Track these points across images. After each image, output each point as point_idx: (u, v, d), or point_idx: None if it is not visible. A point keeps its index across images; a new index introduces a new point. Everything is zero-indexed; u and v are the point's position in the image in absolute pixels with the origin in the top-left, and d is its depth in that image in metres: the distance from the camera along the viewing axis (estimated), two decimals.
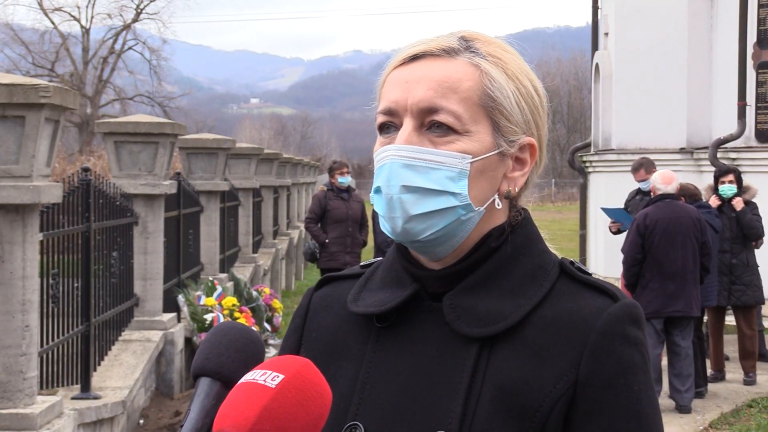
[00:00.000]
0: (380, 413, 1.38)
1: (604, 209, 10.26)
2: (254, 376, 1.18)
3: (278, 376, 1.16)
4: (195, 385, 1.25)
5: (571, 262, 1.45)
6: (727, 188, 9.50)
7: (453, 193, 1.38)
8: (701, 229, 8.16)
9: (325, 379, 1.21)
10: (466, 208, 1.39)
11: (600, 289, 1.40)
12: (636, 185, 10.36)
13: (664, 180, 8.34)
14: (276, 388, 1.15)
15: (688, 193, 8.93)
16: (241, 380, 1.19)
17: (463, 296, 1.40)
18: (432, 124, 1.38)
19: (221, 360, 1.24)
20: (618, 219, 10.01)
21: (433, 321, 1.41)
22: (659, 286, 8.07)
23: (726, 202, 9.52)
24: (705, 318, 9.56)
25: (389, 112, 1.41)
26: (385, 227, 1.42)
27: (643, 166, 9.93)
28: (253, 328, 10.27)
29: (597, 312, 1.37)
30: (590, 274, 1.44)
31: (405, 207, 1.38)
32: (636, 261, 8.16)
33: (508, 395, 1.34)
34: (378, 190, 1.41)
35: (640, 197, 10.00)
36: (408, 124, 1.39)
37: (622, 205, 10.43)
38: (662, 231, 8.08)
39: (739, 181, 9.61)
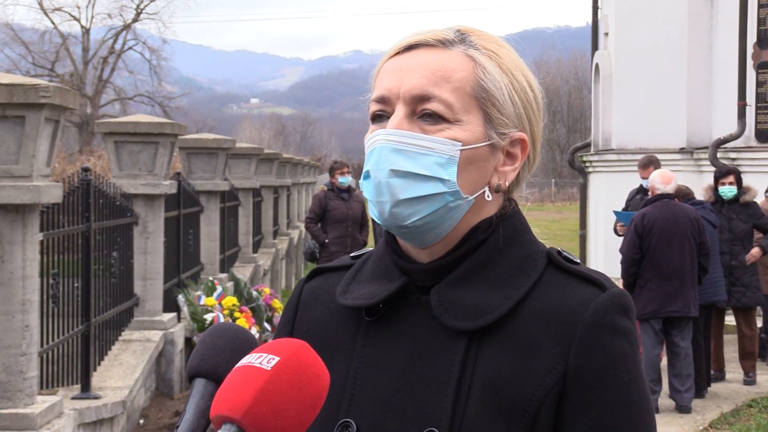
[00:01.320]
0: (372, 410, 1.38)
1: (616, 212, 10.24)
2: (250, 359, 1.17)
3: (273, 359, 1.16)
4: (190, 386, 1.25)
5: (559, 252, 1.44)
6: (728, 189, 9.47)
7: (441, 179, 1.37)
8: (699, 229, 8.15)
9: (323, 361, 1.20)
10: (454, 195, 1.38)
11: (587, 278, 1.40)
12: (636, 185, 10.34)
13: (664, 180, 8.33)
14: (272, 370, 1.15)
15: (681, 194, 8.93)
16: (237, 365, 1.18)
17: (451, 289, 1.39)
18: (423, 113, 1.39)
19: (216, 361, 1.24)
20: (628, 223, 9.96)
21: (422, 314, 1.41)
22: (657, 286, 8.07)
23: (726, 203, 9.50)
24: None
25: (382, 100, 1.42)
26: (373, 212, 1.41)
27: (653, 164, 9.88)
28: (253, 328, 10.29)
29: (584, 302, 1.36)
30: (578, 263, 1.43)
31: (393, 191, 1.37)
32: (634, 261, 8.16)
33: (497, 390, 1.34)
34: (367, 175, 1.41)
35: (641, 197, 9.98)
36: (400, 111, 1.39)
37: (623, 205, 10.42)
38: (660, 231, 8.08)
39: (739, 182, 9.58)
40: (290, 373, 1.15)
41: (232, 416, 1.13)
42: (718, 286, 8.87)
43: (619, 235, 10.14)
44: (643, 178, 9.97)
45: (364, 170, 1.41)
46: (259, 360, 1.16)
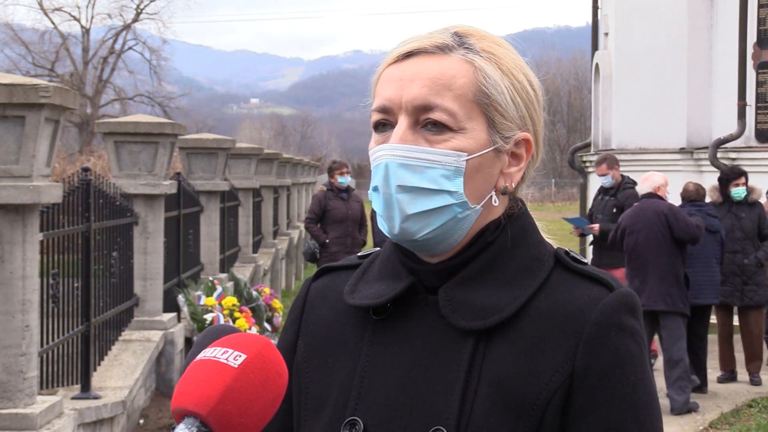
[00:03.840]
0: (378, 409, 1.38)
1: (565, 219, 10.50)
2: (215, 353, 1.17)
3: (240, 356, 1.16)
4: None
5: (566, 252, 1.45)
6: (741, 191, 9.48)
7: (449, 192, 1.37)
8: (668, 223, 8.18)
9: (285, 362, 1.22)
10: (463, 206, 1.38)
11: (595, 278, 1.40)
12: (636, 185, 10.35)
13: (640, 182, 8.73)
14: (239, 368, 1.15)
15: (686, 194, 9.04)
16: (200, 357, 1.18)
17: (459, 289, 1.39)
18: (427, 122, 1.38)
19: None
20: (579, 225, 10.19)
21: (430, 314, 1.41)
22: (630, 282, 8.34)
23: (737, 203, 9.50)
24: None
25: (384, 110, 1.41)
26: (383, 227, 1.41)
27: (606, 161, 9.87)
28: (253, 328, 10.29)
29: (592, 302, 1.37)
30: (585, 263, 1.44)
31: (401, 206, 1.37)
32: (614, 242, 8.61)
33: (504, 389, 1.34)
34: (375, 190, 1.40)
35: (601, 197, 9.99)
36: (402, 122, 1.38)
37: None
38: (629, 228, 8.39)
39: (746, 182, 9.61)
40: (256, 371, 1.16)
41: (198, 411, 1.14)
42: (702, 289, 8.81)
43: (578, 236, 10.41)
44: (598, 175, 9.98)
45: (372, 185, 1.41)
46: (226, 356, 1.16)
